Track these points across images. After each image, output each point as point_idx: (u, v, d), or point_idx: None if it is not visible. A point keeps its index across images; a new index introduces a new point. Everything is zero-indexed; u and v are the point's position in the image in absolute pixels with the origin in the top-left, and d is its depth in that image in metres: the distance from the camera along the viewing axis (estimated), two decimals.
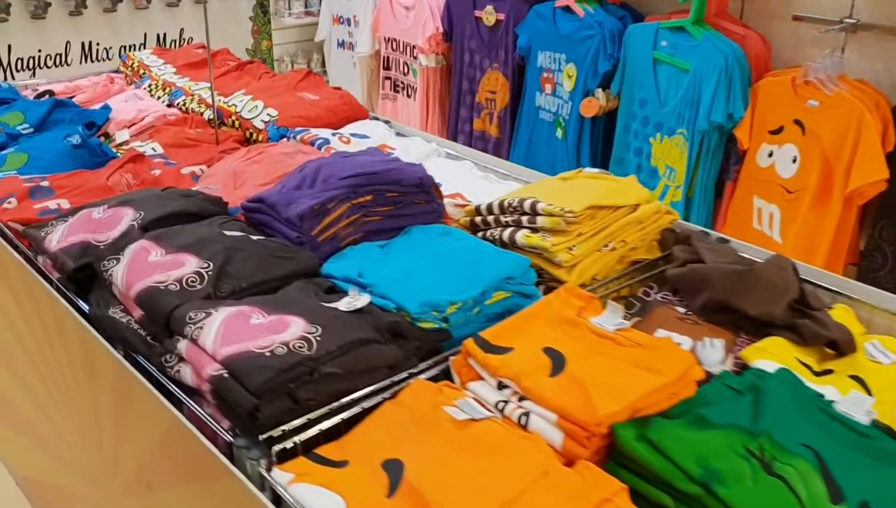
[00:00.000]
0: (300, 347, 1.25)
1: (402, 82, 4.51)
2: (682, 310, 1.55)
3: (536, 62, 3.78)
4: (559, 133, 3.75)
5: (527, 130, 3.92)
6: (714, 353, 1.38)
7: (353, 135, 2.20)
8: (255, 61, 2.90)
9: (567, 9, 3.61)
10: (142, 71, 2.95)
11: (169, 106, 2.68)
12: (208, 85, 2.72)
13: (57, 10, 4.18)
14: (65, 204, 1.78)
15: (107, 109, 2.49)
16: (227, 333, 1.25)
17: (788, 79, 2.91)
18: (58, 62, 4.32)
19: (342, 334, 1.28)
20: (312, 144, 2.12)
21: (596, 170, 2.00)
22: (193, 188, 1.72)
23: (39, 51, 4.25)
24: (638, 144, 3.46)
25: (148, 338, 1.37)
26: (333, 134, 2.17)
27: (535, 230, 1.63)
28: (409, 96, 4.49)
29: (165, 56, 3.06)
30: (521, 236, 1.64)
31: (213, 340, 1.24)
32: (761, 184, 3.06)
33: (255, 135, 2.35)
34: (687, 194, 3.26)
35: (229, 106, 2.46)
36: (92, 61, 4.42)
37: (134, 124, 2.50)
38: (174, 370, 1.32)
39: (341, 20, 4.86)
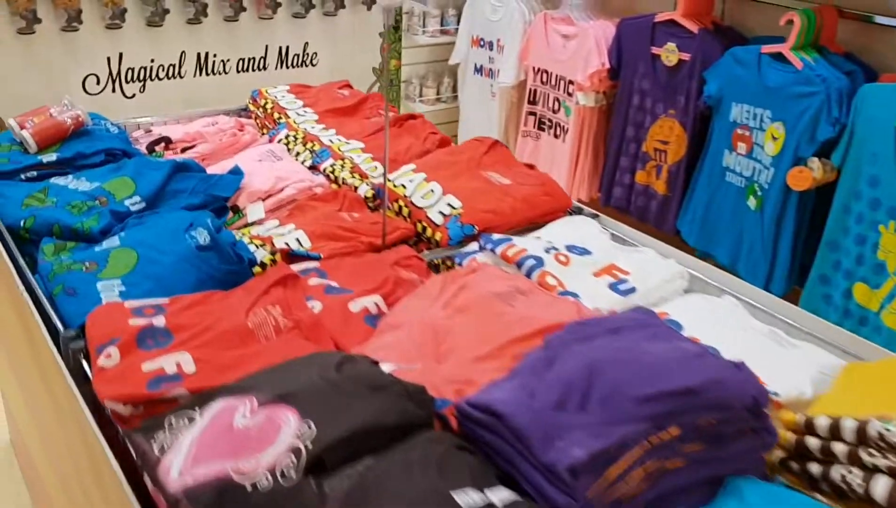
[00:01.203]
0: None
1: (550, 120, 3.84)
2: None
3: (728, 115, 3.08)
4: (752, 203, 3.03)
5: (706, 192, 3.22)
6: None
7: (570, 249, 1.56)
8: (418, 116, 2.27)
9: (778, 56, 2.89)
10: (276, 114, 2.35)
11: (312, 169, 2.07)
12: (361, 145, 2.11)
13: (174, 17, 3.64)
14: (187, 364, 1.18)
15: (238, 175, 1.90)
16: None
17: None
18: (171, 73, 3.79)
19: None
20: (520, 265, 1.48)
21: None
22: (384, 368, 1.09)
23: (152, 60, 3.73)
24: (861, 230, 2.72)
25: None
26: (547, 250, 1.52)
27: None
28: (556, 136, 3.82)
29: (305, 96, 2.45)
30: None
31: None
32: None
33: (429, 231, 1.73)
34: None
35: (396, 187, 1.83)
36: (207, 74, 3.88)
37: (271, 196, 1.90)
38: None
39: (482, 43, 4.22)
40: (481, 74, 4.28)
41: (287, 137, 2.22)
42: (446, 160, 1.88)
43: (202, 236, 1.49)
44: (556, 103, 3.79)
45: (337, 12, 4.08)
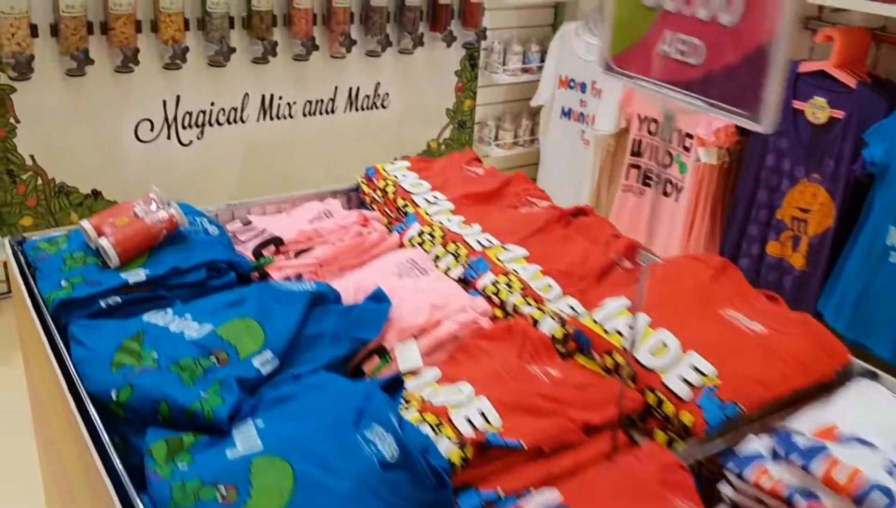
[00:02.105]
0: None
1: (659, 176, 3.36)
2: None
3: None
4: None
5: (861, 272, 2.74)
6: None
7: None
8: (587, 210, 1.78)
9: None
10: (401, 201, 1.87)
11: (466, 285, 1.59)
12: (524, 253, 1.62)
13: (239, 56, 3.17)
14: None
15: (382, 302, 1.42)
16: None
17: None
18: (232, 118, 3.32)
19: None
20: (860, 500, 0.99)
21: None
22: None
23: (212, 104, 3.27)
24: None
25: None
26: (890, 470, 1.03)
27: None
28: (666, 194, 3.34)
29: (429, 175, 1.97)
30: None
31: None
32: None
33: (668, 405, 1.23)
34: None
35: (608, 335, 1.34)
36: (271, 118, 3.42)
37: (425, 332, 1.42)
38: None
39: (571, 84, 3.74)
40: (569, 118, 3.81)
41: (420, 234, 1.74)
42: (664, 291, 1.39)
43: (386, 446, 1.01)
44: (668, 157, 3.31)
45: (414, 50, 3.61)
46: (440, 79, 3.87)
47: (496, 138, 4.08)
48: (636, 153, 3.45)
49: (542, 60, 3.97)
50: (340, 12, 3.32)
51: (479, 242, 1.69)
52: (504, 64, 3.94)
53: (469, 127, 4.05)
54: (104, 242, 1.46)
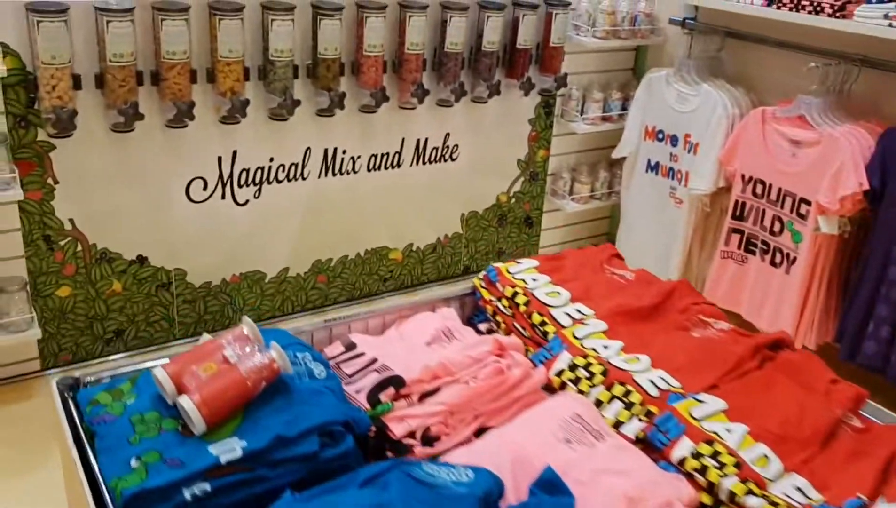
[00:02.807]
0: None
1: (767, 243, 2.96)
2: None
3: None
4: None
5: None
6: None
7: None
8: (786, 339, 1.39)
9: None
10: (537, 316, 1.48)
11: (652, 451, 1.20)
12: (722, 406, 1.24)
13: (303, 107, 2.81)
14: None
15: (563, 498, 1.03)
16: None
17: None
18: (292, 174, 2.97)
19: None
20: None
21: None
22: None
23: (271, 160, 2.91)
24: None
25: None
26: None
27: None
28: (775, 264, 2.94)
29: (564, 278, 1.58)
30: None
31: None
32: None
33: None
34: None
35: None
36: (333, 174, 3.06)
37: None
38: None
39: (659, 136, 3.36)
40: (656, 173, 3.42)
41: (572, 367, 1.35)
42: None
43: None
44: (779, 224, 2.91)
45: (489, 100, 3.24)
46: (512, 128, 3.50)
47: (571, 192, 3.70)
48: (739, 217, 3.06)
49: (624, 108, 3.59)
50: (413, 59, 2.96)
51: (653, 383, 1.30)
52: (583, 112, 3.56)
53: (542, 179, 3.68)
54: (186, 402, 1.08)
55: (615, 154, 3.57)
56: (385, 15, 2.81)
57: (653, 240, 3.47)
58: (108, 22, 2.35)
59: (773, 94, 3.14)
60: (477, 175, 3.48)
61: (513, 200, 3.64)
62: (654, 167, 3.44)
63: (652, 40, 3.59)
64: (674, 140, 3.32)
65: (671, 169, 3.36)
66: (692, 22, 3.40)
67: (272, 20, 2.61)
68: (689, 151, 3.25)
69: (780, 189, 2.88)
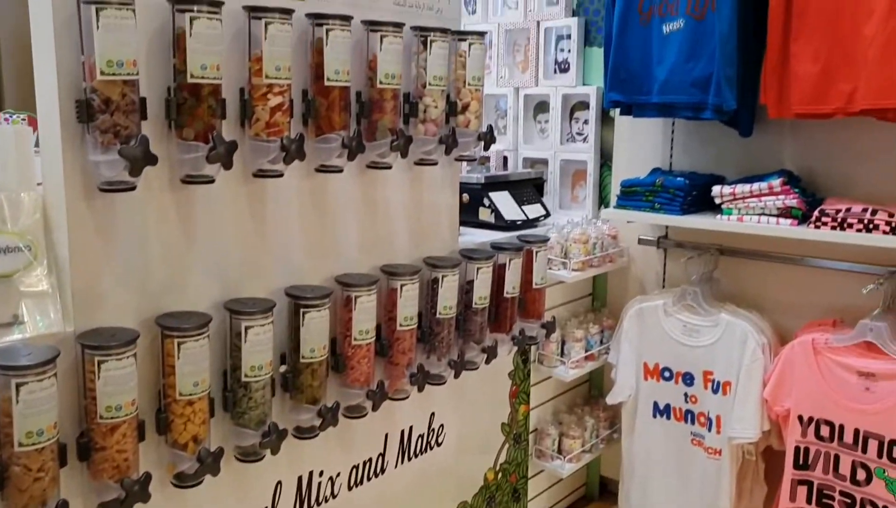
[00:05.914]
0: None
1: (851, 496, 2.40)
2: None
3: None
4: None
5: None
6: None
7: None
8: None
9: None
10: None
11: None
12: None
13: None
14: None
15: None
16: None
17: None
18: None
19: None
20: None
21: None
22: None
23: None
24: None
25: None
26: None
27: None
28: None
29: None
30: None
31: None
32: None
33: None
34: None
35: None
36: (309, 506, 2.09)
37: None
38: None
39: (665, 374, 2.78)
40: (668, 417, 2.81)
41: None
42: None
43: None
44: (863, 472, 2.36)
45: (481, 364, 2.50)
46: (493, 388, 2.76)
47: (559, 451, 2.97)
48: (803, 465, 2.48)
49: (602, 342, 3.00)
50: (407, 336, 2.17)
51: None
52: (562, 355, 2.91)
53: (524, 437, 2.92)
54: None
55: (610, 400, 2.93)
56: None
57: (679, 498, 2.79)
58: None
59: (788, 315, 2.70)
60: (463, 455, 2.66)
61: (500, 474, 2.84)
62: (663, 411, 2.82)
63: (620, 264, 3.07)
64: (688, 379, 2.74)
65: (689, 412, 2.76)
66: (667, 240, 2.94)
67: (244, 329, 1.72)
68: (714, 392, 2.67)
69: (863, 432, 2.35)
